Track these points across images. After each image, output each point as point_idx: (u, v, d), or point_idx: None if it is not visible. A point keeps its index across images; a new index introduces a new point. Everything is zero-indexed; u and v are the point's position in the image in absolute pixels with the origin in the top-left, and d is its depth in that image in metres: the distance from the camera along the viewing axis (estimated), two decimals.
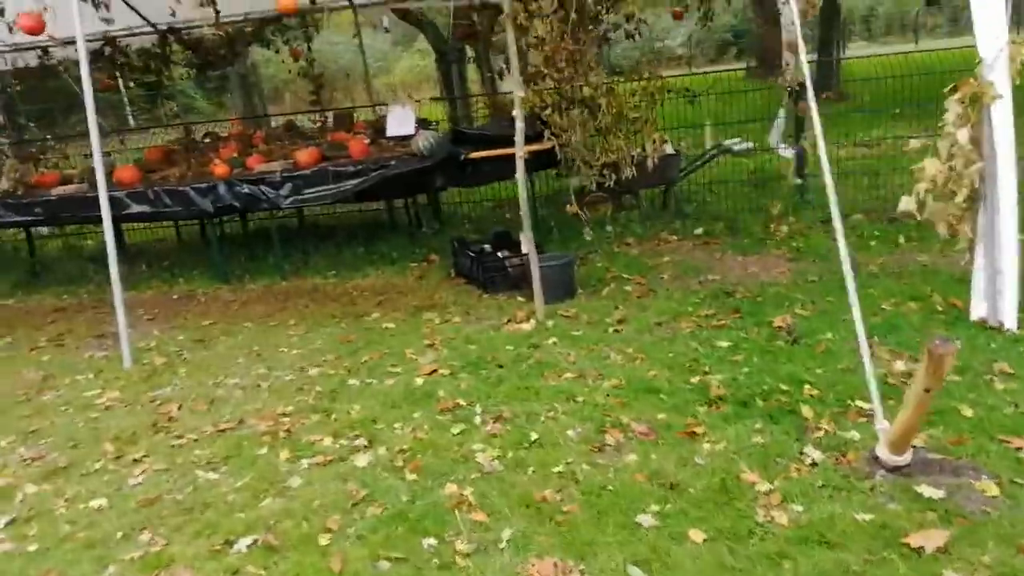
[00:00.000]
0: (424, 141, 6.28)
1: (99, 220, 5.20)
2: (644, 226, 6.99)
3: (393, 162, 6.40)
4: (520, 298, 5.56)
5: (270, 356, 4.88)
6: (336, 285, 6.52)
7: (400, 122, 7.09)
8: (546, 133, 6.28)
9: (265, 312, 5.92)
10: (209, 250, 7.50)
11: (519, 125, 4.88)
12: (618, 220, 7.17)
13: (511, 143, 6.28)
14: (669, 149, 7.38)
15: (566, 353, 4.40)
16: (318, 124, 8.72)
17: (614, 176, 6.19)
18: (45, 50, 9.74)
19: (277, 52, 9.51)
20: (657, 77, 6.57)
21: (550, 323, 4.92)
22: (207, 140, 8.15)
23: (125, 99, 24.90)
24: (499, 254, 6.16)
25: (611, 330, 4.72)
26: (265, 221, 8.01)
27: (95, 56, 9.77)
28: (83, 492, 3.40)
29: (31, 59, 10.31)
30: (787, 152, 8.82)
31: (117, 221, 7.52)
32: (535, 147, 6.28)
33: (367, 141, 7.16)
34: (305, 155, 6.69)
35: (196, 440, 3.80)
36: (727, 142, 7.94)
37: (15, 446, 3.94)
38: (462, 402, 3.88)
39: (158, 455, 3.70)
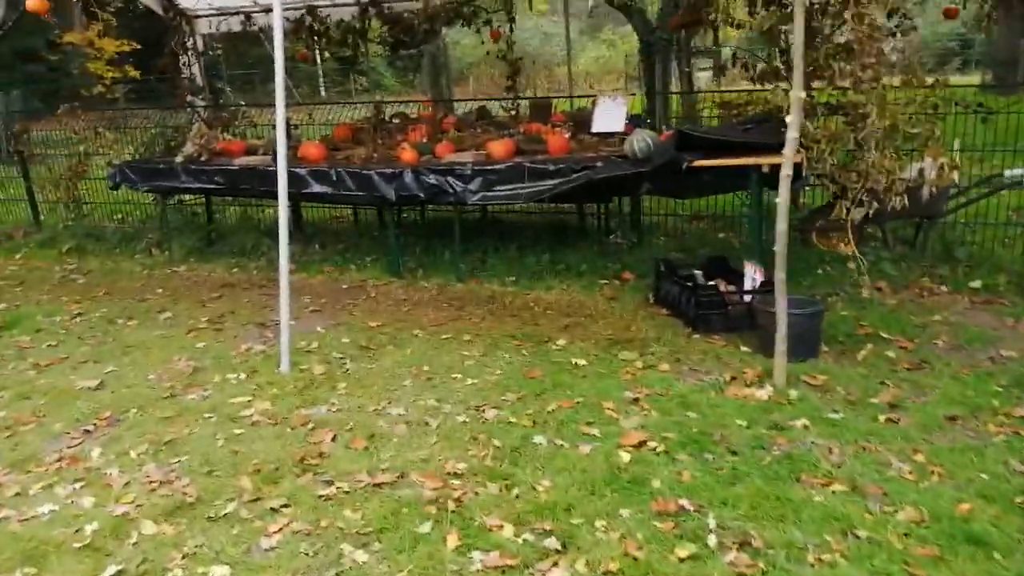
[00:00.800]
0: (640, 142, 5.28)
1: (278, 196, 4.64)
2: (898, 268, 5.61)
3: (599, 163, 5.45)
4: (743, 347, 4.45)
5: (441, 382, 4.09)
6: (516, 296, 5.68)
7: (609, 117, 6.12)
8: None
9: (437, 320, 5.17)
10: (385, 238, 6.92)
11: (791, 135, 3.76)
12: (864, 256, 5.82)
13: (744, 151, 5.19)
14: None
15: (825, 447, 3.26)
16: (512, 112, 7.93)
17: (876, 203, 4.97)
18: (248, 16, 9.65)
19: (478, 32, 8.82)
20: (943, 85, 5.20)
21: (793, 393, 3.78)
22: (396, 121, 7.59)
23: (320, 71, 25.82)
24: (716, 285, 5.07)
25: (883, 418, 3.51)
26: (444, 211, 7.33)
27: (295, 26, 9.57)
28: (206, 548, 2.72)
29: (235, 24, 10.34)
30: None
31: (296, 199, 7.13)
32: (776, 159, 5.12)
33: (567, 136, 6.26)
34: (499, 147, 5.89)
35: (347, 493, 3.04)
36: (1013, 172, 6.34)
37: (145, 460, 3.37)
38: (687, 504, 2.87)
39: (301, 507, 2.97)
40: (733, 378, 4.01)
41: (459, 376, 4.15)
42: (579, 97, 7.62)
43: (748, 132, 5.27)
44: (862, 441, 3.30)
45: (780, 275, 3.86)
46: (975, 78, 18.52)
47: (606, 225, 7.11)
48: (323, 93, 26.66)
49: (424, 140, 6.54)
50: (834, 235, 6.22)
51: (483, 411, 3.71)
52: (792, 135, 3.72)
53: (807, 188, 6.40)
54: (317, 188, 6.14)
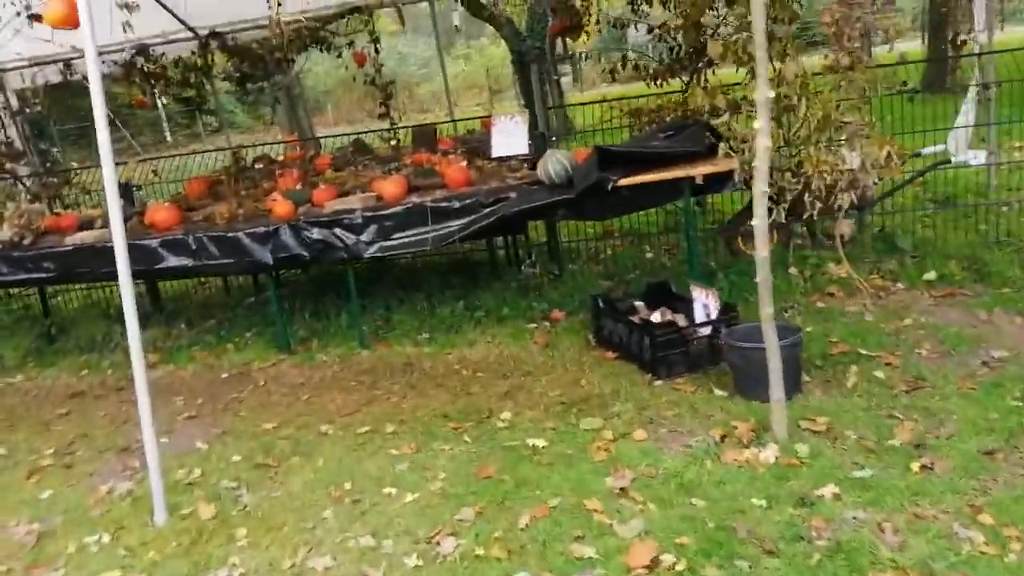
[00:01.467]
0: (556, 165, 4.58)
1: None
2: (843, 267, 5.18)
3: (512, 194, 4.71)
4: (716, 390, 3.82)
5: (372, 505, 3.20)
6: (435, 358, 4.85)
7: (509, 138, 5.40)
8: (722, 147, 4.59)
9: (348, 406, 4.27)
10: (265, 304, 5.91)
11: (764, 144, 3.12)
12: (799, 258, 5.37)
13: (670, 162, 4.61)
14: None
15: (874, 523, 2.64)
16: (392, 142, 7.05)
17: (819, 203, 4.57)
18: (67, 63, 8.34)
19: (339, 56, 7.91)
20: (874, 65, 4.82)
21: (801, 448, 3.16)
22: (259, 166, 6.56)
23: (163, 114, 23.84)
24: (673, 322, 4.44)
25: (915, 467, 2.94)
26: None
27: (126, 70, 8.36)
28: None
29: (53, 75, 8.98)
30: (978, 161, 6.95)
31: (150, 278, 6.01)
32: (709, 168, 4.56)
33: (464, 164, 5.49)
34: (391, 186, 5.03)
35: None
36: (929, 150, 6.10)
37: None
38: None
39: None
40: (724, 437, 3.35)
41: (393, 491, 3.27)
42: (463, 120, 6.81)
43: (670, 140, 4.69)
44: (909, 506, 2.71)
45: (767, 310, 3.23)
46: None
47: (517, 256, 6.38)
48: (169, 138, 24.71)
49: (298, 187, 5.59)
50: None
51: (437, 543, 2.86)
52: (764, 143, 3.09)
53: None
54: (174, 261, 5.07)
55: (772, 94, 3.19)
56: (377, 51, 7.65)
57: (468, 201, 4.70)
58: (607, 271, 5.78)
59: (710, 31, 6.58)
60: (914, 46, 16.50)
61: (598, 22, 7.29)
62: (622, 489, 3.04)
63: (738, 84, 4.90)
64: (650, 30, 7.11)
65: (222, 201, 5.78)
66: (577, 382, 4.20)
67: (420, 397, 4.29)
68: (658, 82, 7.18)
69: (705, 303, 4.32)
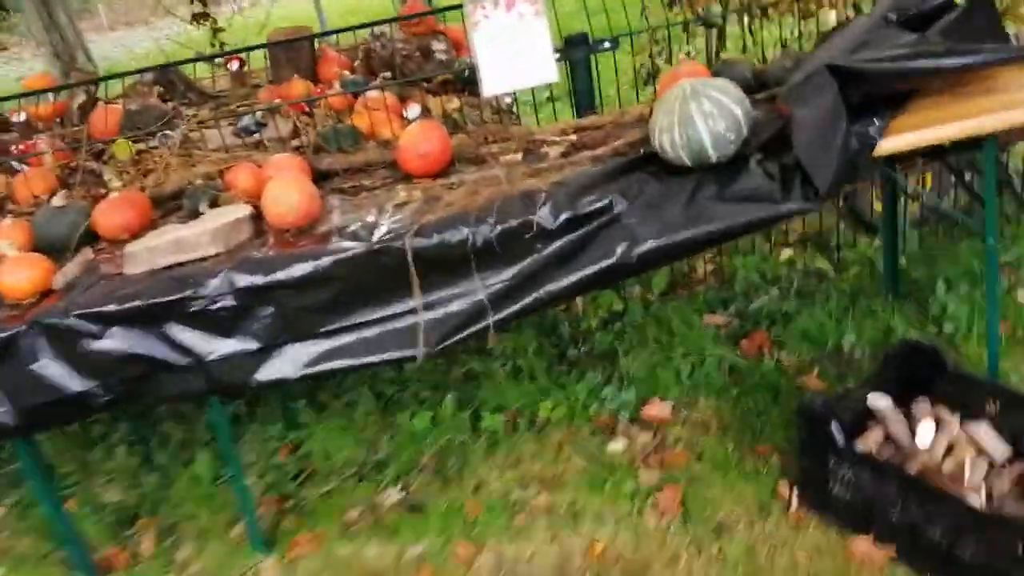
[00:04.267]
0: (720, 123, 1.83)
1: None
2: None
3: (617, 203, 1.91)
4: None
5: None
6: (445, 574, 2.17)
7: (513, 54, 2.43)
8: None
9: None
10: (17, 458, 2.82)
11: None
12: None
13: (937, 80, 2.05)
14: None
15: None
16: (228, 66, 3.73)
17: None
18: None
19: None
20: None
21: None
22: None
23: None
24: (928, 434, 2.02)
25: None
26: None
27: None
28: None
29: None
30: None
31: None
32: None
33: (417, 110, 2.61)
34: (288, 186, 2.06)
35: None
36: None
37: None
38: None
39: None
40: None
41: None
42: (346, 31, 3.44)
43: (927, 41, 2.05)
44: None
45: None
46: None
47: None
48: None
49: (57, 199, 2.47)
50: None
51: None
52: None
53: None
54: None
55: None
56: None
57: (511, 224, 1.88)
58: (706, 301, 3.06)
59: None
60: None
61: None
62: None
63: None
64: None
65: None
66: None
67: None
68: None
69: None
